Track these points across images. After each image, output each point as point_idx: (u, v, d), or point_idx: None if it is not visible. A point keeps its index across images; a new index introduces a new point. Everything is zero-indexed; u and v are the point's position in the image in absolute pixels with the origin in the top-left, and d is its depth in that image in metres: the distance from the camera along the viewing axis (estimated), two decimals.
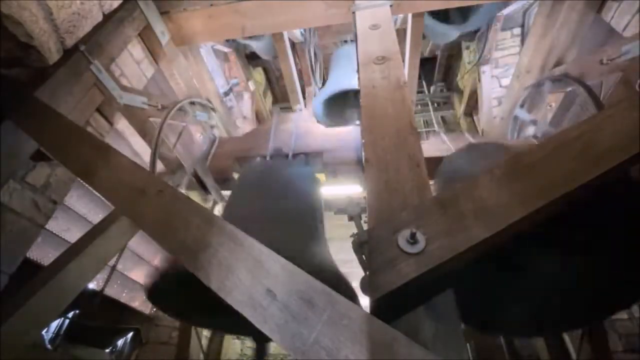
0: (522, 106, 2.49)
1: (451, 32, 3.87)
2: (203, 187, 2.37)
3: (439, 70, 6.12)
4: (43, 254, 2.31)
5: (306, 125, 2.32)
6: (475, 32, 4.12)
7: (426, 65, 6.03)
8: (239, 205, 1.77)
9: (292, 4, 2.08)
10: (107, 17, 1.69)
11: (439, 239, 0.70)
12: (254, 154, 2.24)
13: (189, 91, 2.53)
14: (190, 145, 2.41)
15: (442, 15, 3.71)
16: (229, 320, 1.15)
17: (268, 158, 2.11)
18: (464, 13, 3.72)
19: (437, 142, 2.41)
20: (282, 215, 1.54)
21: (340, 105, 3.97)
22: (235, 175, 2.29)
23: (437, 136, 2.50)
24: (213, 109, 2.72)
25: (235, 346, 4.86)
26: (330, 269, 1.31)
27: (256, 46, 4.39)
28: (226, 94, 4.42)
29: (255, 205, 1.63)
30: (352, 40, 4.44)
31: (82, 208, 2.65)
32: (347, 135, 2.26)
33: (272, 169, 1.98)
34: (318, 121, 3.61)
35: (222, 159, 2.37)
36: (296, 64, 4.27)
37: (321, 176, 2.16)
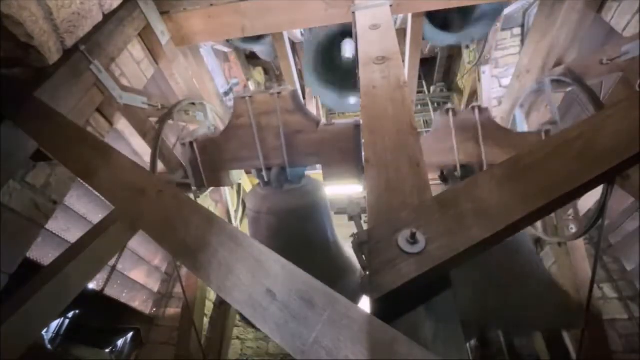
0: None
1: (450, 39, 3.81)
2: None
3: (439, 70, 6.12)
4: (43, 254, 2.31)
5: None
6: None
7: (426, 65, 6.04)
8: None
9: (292, 4, 2.08)
10: (107, 17, 1.69)
11: (439, 239, 0.70)
12: (248, 163, 2.15)
13: (189, 91, 2.53)
14: None
15: (441, 21, 3.67)
16: None
17: (266, 177, 2.04)
18: (464, 21, 3.68)
19: None
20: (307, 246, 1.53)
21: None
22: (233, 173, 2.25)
23: None
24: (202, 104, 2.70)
25: (235, 346, 4.86)
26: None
27: (257, 49, 4.39)
28: (226, 94, 4.43)
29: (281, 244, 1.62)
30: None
31: (82, 208, 2.65)
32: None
33: (281, 198, 1.93)
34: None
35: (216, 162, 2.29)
36: (296, 64, 4.27)
37: (318, 175, 2.12)
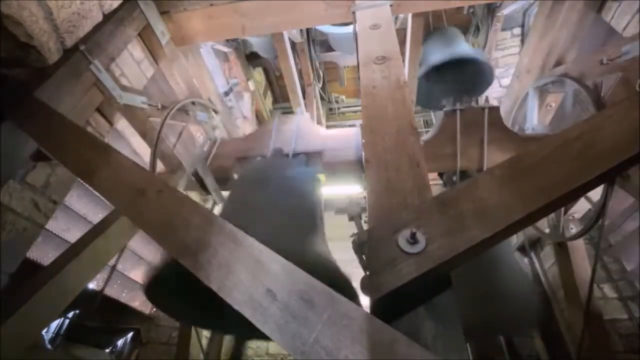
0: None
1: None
2: (203, 187, 2.37)
3: None
4: (43, 254, 2.31)
5: (307, 126, 2.31)
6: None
7: None
8: (237, 202, 1.78)
9: (292, 4, 2.08)
10: (107, 17, 1.68)
11: (439, 239, 0.70)
12: (254, 154, 2.23)
13: (189, 91, 2.53)
14: (190, 145, 2.40)
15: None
16: (228, 321, 1.14)
17: (268, 157, 2.11)
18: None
19: None
20: (280, 211, 1.54)
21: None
22: (236, 176, 2.29)
23: None
24: (215, 111, 2.71)
25: None
26: (328, 264, 1.30)
27: (256, 44, 4.38)
28: (226, 94, 4.42)
29: (253, 202, 1.63)
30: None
31: (82, 208, 2.65)
32: (348, 135, 2.26)
33: (272, 167, 1.98)
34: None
35: (223, 159, 2.36)
36: (296, 64, 4.27)
37: (322, 177, 2.16)
